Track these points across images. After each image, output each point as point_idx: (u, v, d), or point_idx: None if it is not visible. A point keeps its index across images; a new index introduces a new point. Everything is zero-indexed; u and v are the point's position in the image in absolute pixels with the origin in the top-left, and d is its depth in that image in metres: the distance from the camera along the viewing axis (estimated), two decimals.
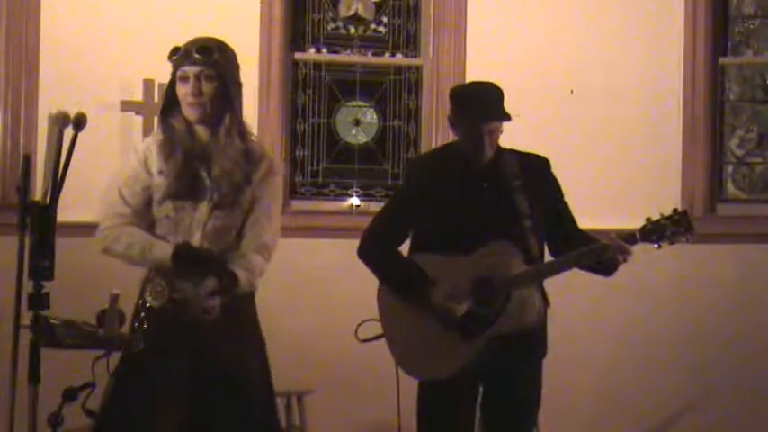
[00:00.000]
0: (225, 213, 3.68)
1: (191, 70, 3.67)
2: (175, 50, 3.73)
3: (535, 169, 4.03)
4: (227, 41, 3.75)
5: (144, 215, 3.71)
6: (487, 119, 3.90)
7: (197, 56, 3.66)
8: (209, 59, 3.67)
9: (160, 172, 3.70)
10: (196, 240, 3.66)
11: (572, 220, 4.07)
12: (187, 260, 3.59)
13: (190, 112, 3.70)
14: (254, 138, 3.83)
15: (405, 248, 4.09)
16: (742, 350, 6.12)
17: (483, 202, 3.93)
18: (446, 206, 3.93)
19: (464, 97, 4.03)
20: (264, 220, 3.76)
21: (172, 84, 3.73)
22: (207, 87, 3.67)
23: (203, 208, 3.68)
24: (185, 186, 3.68)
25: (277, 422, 3.87)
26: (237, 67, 3.80)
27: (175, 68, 3.72)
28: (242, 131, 3.75)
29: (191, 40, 3.75)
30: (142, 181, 3.72)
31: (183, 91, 3.70)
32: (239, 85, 3.78)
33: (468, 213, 3.91)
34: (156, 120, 5.58)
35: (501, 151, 3.99)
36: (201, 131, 3.73)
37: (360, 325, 4.01)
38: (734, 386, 6.08)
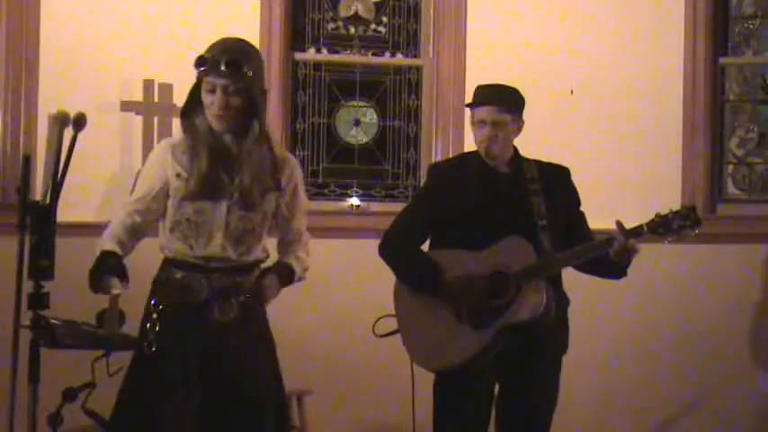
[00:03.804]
0: (246, 215, 3.66)
1: (218, 82, 3.58)
2: (202, 60, 3.60)
3: (554, 177, 4.14)
4: None
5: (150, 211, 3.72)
6: (470, 105, 4.10)
7: (225, 70, 3.55)
8: (238, 73, 3.56)
9: (177, 175, 3.66)
10: (217, 241, 3.65)
11: (586, 229, 4.12)
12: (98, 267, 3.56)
13: (215, 122, 3.63)
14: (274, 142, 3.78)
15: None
16: (742, 350, 6.12)
17: (499, 203, 4.03)
18: (463, 207, 4.02)
19: None
20: (300, 224, 3.86)
21: (197, 86, 3.65)
22: (234, 101, 3.59)
23: (223, 209, 3.65)
24: (208, 188, 3.62)
25: (287, 421, 3.87)
26: (263, 70, 3.72)
27: (202, 76, 3.62)
28: (269, 139, 3.71)
29: (218, 47, 3.62)
30: (151, 182, 3.72)
31: (208, 100, 3.62)
32: (266, 93, 3.71)
33: (485, 213, 4.00)
34: (155, 120, 5.64)
35: (520, 158, 4.12)
36: (226, 137, 3.67)
37: (377, 321, 4.09)
38: (734, 386, 6.08)
